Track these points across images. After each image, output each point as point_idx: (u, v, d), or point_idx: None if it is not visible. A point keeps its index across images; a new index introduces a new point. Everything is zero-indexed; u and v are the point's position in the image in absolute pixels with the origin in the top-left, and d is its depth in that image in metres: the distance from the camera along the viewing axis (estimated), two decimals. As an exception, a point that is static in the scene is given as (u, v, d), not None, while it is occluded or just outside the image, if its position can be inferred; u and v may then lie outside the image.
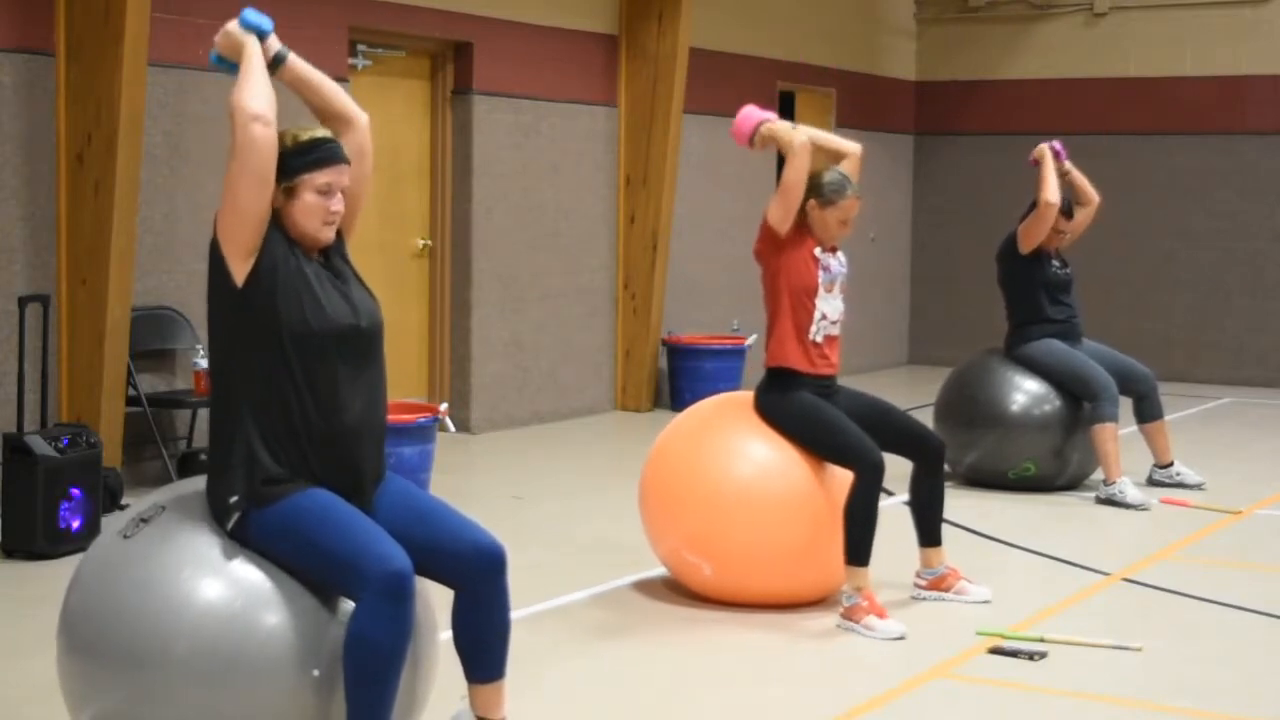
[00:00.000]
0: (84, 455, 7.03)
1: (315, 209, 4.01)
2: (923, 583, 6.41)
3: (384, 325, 4.15)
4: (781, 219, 6.16)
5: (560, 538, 7.55)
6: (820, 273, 6.18)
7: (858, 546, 5.93)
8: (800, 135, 6.20)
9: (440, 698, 4.28)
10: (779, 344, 6.20)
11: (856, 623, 5.90)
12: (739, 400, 6.45)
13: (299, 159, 4.00)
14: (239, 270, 3.93)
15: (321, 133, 4.09)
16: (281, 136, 4.01)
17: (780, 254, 6.19)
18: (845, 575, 5.97)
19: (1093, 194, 8.97)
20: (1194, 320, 14.34)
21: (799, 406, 6.13)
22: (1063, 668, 5.52)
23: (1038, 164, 8.64)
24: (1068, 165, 8.77)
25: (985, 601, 6.33)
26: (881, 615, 5.90)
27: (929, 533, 6.38)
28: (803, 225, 6.22)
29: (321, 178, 4.00)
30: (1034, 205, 8.65)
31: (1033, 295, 8.75)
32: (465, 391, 10.65)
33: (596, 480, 8.98)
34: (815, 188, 6.22)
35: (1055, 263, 8.80)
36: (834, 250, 6.31)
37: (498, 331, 10.83)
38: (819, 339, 6.18)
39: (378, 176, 10.24)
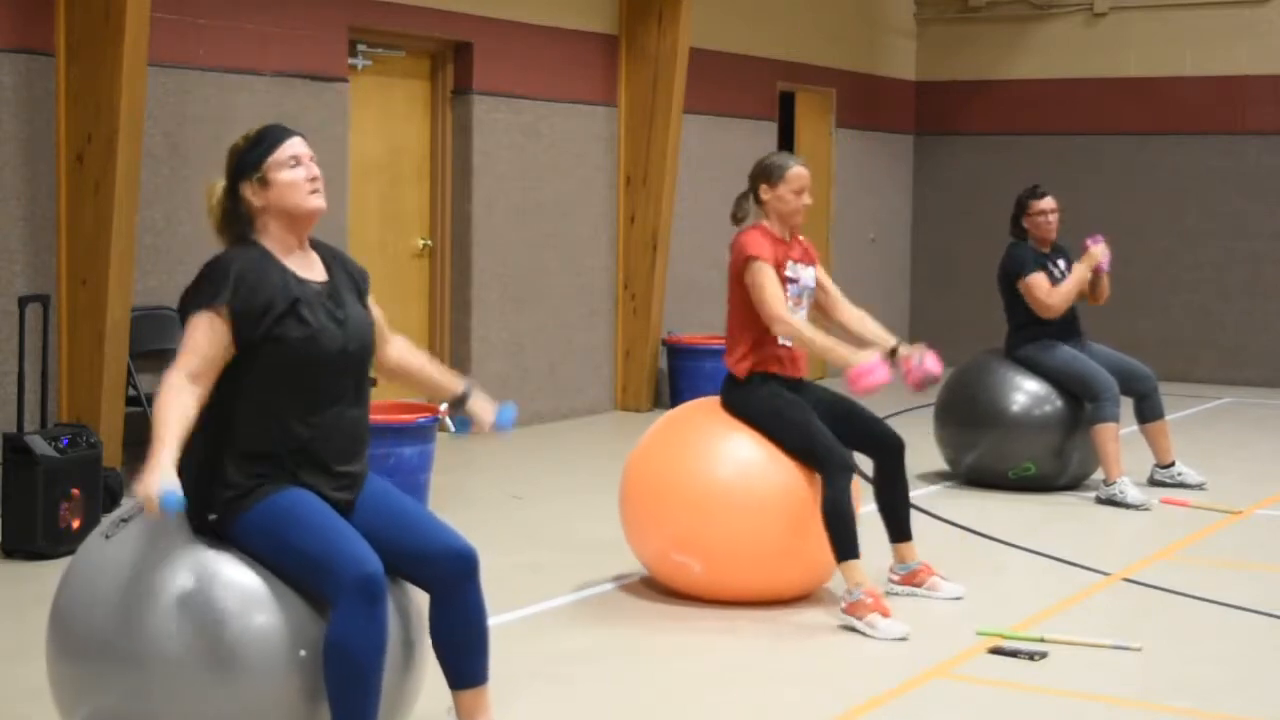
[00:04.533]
0: (84, 455, 7.03)
1: (294, 183, 4.04)
2: (896, 578, 6.43)
3: (373, 348, 4.20)
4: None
5: (560, 538, 7.55)
6: (789, 286, 6.19)
7: (844, 542, 5.94)
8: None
9: (429, 698, 4.28)
10: (747, 349, 6.20)
11: (859, 619, 5.88)
12: (711, 402, 6.47)
13: (255, 150, 4.06)
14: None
15: (268, 124, 4.17)
16: (234, 144, 4.11)
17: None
18: (842, 574, 5.96)
19: (1104, 296, 8.92)
20: (1194, 320, 14.34)
21: (768, 399, 6.15)
22: (1063, 668, 5.52)
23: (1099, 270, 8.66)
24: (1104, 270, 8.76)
25: (958, 598, 6.35)
26: (885, 614, 5.88)
27: (898, 529, 6.39)
28: (770, 239, 6.20)
29: (284, 153, 4.05)
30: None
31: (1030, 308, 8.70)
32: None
33: (596, 480, 8.96)
34: (762, 173, 6.24)
35: (1057, 271, 8.75)
36: (811, 262, 6.30)
37: (498, 331, 10.82)
38: (789, 343, 6.20)
39: (378, 176, 10.31)
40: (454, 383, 4.48)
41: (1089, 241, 8.72)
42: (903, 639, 5.81)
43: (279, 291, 3.96)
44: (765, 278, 6.09)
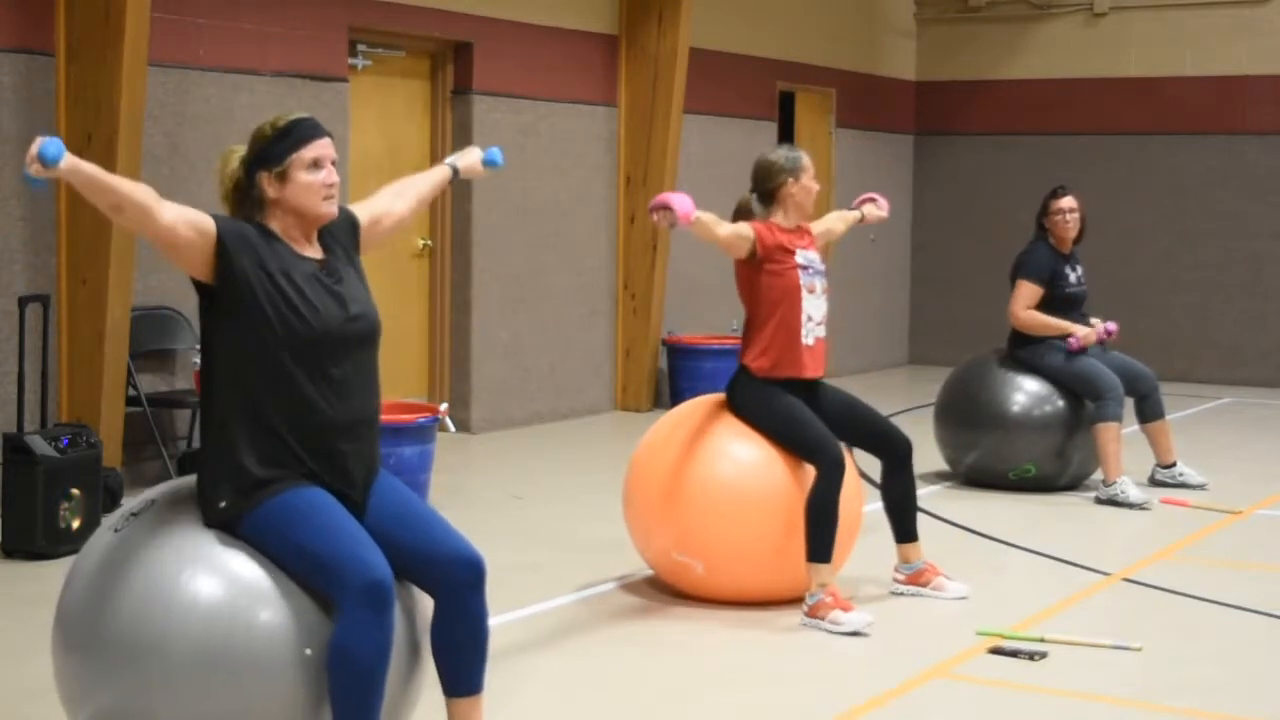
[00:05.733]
0: (84, 455, 7.03)
1: (311, 186, 4.03)
2: (901, 578, 6.45)
3: (379, 324, 4.16)
4: (741, 248, 6.14)
5: (560, 538, 7.56)
6: (802, 273, 6.20)
7: (819, 543, 5.94)
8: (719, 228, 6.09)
9: (430, 691, 4.29)
10: (765, 345, 6.20)
11: (822, 619, 5.90)
12: (714, 400, 6.47)
13: (282, 143, 4.03)
14: (205, 273, 3.95)
15: (299, 114, 4.14)
16: (261, 128, 4.07)
17: (761, 272, 6.19)
18: (809, 573, 5.96)
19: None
20: (1194, 320, 14.34)
21: (769, 400, 6.15)
22: (1063, 668, 5.52)
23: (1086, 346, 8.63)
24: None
25: (963, 598, 6.37)
26: (846, 608, 5.90)
27: (904, 529, 6.40)
28: (774, 232, 6.19)
29: (309, 154, 4.03)
30: (1021, 264, 8.67)
31: (1044, 310, 8.68)
32: (465, 391, 10.65)
33: (596, 480, 8.97)
34: (785, 169, 6.23)
35: (1073, 277, 8.72)
36: (811, 244, 6.30)
37: (498, 331, 10.82)
38: (809, 341, 6.20)
39: (378, 177, 10.26)
40: (444, 172, 4.72)
41: (1101, 330, 8.69)
42: (868, 626, 5.83)
43: (270, 257, 3.97)
44: (735, 227, 6.14)
